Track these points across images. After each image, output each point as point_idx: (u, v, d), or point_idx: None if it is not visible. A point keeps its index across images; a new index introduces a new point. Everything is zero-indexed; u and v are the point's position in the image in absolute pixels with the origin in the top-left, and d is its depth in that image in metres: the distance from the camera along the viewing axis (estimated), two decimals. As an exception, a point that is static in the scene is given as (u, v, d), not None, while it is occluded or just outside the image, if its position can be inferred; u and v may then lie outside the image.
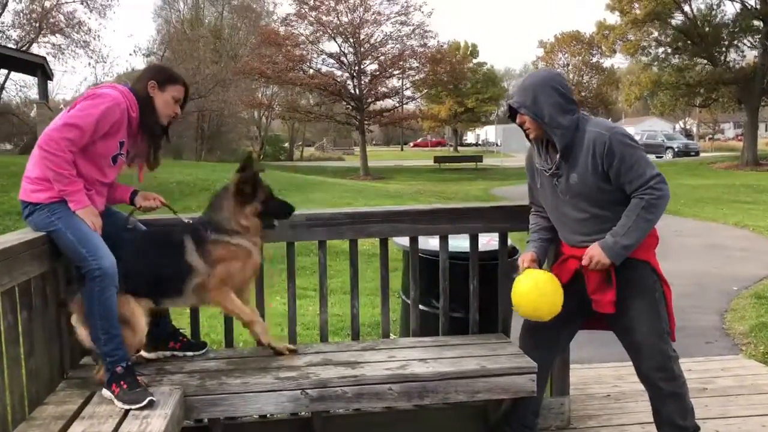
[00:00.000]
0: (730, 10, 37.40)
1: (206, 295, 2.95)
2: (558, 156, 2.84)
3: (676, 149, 40.64)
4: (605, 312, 2.86)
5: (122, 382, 2.59)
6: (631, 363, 3.02)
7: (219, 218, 2.97)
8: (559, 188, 2.89)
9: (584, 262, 2.84)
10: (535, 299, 2.89)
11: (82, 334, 2.77)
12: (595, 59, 53.46)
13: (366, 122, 34.76)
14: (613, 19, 34.22)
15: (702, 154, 40.91)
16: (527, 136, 2.96)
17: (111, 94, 2.76)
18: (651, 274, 2.88)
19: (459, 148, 66.91)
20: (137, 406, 2.51)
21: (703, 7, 31.96)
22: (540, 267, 3.06)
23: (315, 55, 33.95)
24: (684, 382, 2.94)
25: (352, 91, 33.60)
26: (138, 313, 2.81)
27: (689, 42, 31.34)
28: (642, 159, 2.74)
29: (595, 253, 2.79)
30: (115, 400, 2.56)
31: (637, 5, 30.76)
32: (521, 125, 2.92)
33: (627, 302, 2.86)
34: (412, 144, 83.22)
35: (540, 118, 2.80)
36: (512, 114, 2.97)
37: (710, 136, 68.22)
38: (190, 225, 3.01)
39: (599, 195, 2.80)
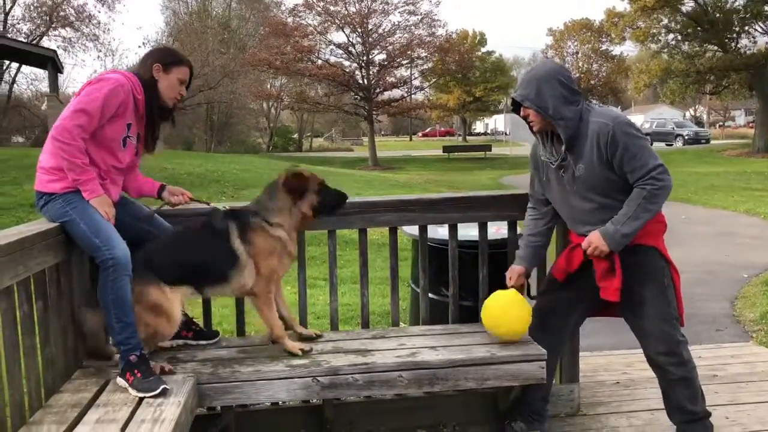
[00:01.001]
0: (741, -5, 37.00)
1: (248, 286, 2.95)
2: (563, 148, 2.85)
3: (686, 137, 40.35)
4: (611, 299, 2.87)
5: (136, 371, 2.62)
6: (640, 350, 3.04)
7: (267, 208, 2.97)
8: (565, 179, 2.90)
9: (583, 247, 2.86)
10: (497, 318, 3.05)
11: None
12: (604, 47, 53.00)
13: (374, 112, 34.76)
14: (623, 6, 33.94)
15: (712, 142, 40.63)
16: (531, 128, 2.97)
17: (113, 76, 2.79)
18: (660, 259, 2.90)
19: (468, 137, 66.69)
20: (151, 394, 2.54)
21: (714, -7, 31.64)
22: (528, 277, 3.17)
23: (323, 46, 34.01)
24: (693, 367, 2.95)
25: (361, 82, 33.58)
26: (174, 301, 2.84)
27: (699, 28, 31.04)
28: (645, 149, 2.75)
29: (594, 240, 2.81)
30: (130, 389, 2.59)
31: (646, -9, 30.48)
32: (525, 118, 2.93)
33: (636, 288, 2.87)
34: (420, 134, 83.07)
35: (544, 111, 2.81)
36: (516, 107, 2.98)
37: (721, 123, 67.72)
38: (234, 212, 3.01)
39: (606, 185, 2.81)
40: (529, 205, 3.23)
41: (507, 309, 3.02)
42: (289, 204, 2.97)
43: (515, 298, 3.05)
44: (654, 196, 2.72)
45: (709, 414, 3.01)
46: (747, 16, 30.28)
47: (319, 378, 2.83)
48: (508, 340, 3.04)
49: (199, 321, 3.32)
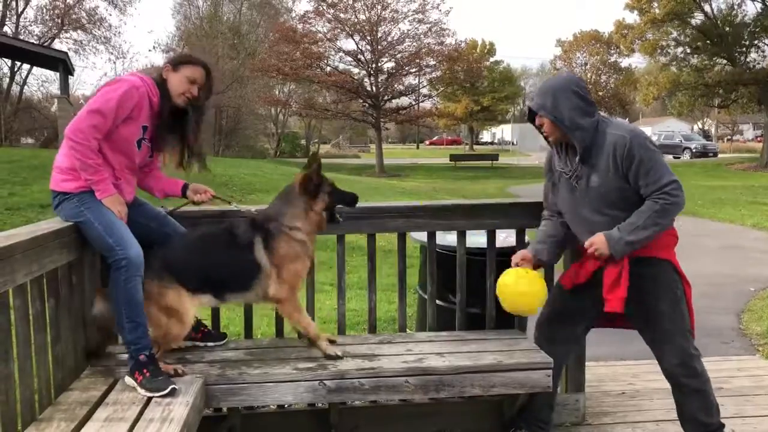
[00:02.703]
0: (751, 9, 37.06)
1: (270, 294, 2.96)
2: (577, 158, 2.86)
3: (693, 150, 40.30)
4: (615, 310, 2.87)
5: (145, 370, 2.64)
6: (646, 361, 3.05)
7: (286, 214, 2.99)
8: (578, 190, 2.91)
9: (586, 245, 2.87)
10: (513, 295, 3.02)
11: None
12: (613, 59, 53.08)
13: (382, 120, 34.86)
14: (632, 18, 34.01)
15: (720, 155, 40.54)
16: (546, 138, 2.98)
17: (129, 78, 2.83)
18: (673, 272, 2.91)
19: (475, 146, 66.75)
20: (160, 393, 2.56)
21: (723, 6, 31.72)
22: (535, 269, 3.12)
23: (332, 53, 34.13)
24: (707, 379, 2.95)
25: (369, 89, 33.67)
26: (188, 306, 2.85)
27: (709, 42, 31.04)
28: (660, 163, 2.76)
29: (597, 241, 2.82)
30: (138, 388, 2.61)
31: (656, 4, 30.52)
32: (539, 128, 2.94)
33: (650, 300, 2.88)
34: (427, 142, 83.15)
35: (560, 121, 2.82)
36: (531, 116, 2.99)
37: (729, 137, 67.52)
38: (256, 221, 3.02)
39: (619, 197, 2.81)
40: (545, 214, 3.21)
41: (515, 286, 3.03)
42: (305, 206, 2.99)
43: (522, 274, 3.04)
44: (665, 210, 2.72)
45: (723, 426, 3.00)
46: (756, 30, 30.27)
47: (325, 381, 2.84)
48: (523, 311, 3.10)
49: (208, 323, 3.34)
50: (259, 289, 2.96)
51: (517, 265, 3.08)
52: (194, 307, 2.90)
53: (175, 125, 3.00)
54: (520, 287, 3.00)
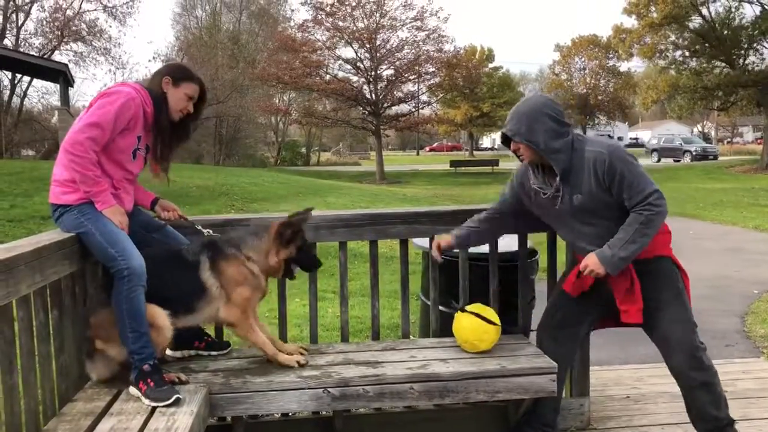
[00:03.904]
0: (749, 12, 37.12)
1: (221, 316, 2.94)
2: (557, 179, 2.89)
3: (694, 153, 40.26)
4: (633, 321, 2.91)
5: (149, 380, 2.63)
6: (651, 365, 3.05)
7: (247, 243, 2.98)
8: (562, 208, 2.94)
9: (581, 269, 2.91)
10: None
11: (114, 351, 2.78)
12: (611, 63, 53.19)
13: (382, 127, 34.89)
14: (630, 22, 34.06)
15: (720, 158, 40.50)
16: (521, 161, 3.03)
17: (124, 90, 2.82)
18: (672, 266, 2.95)
19: (475, 152, 66.77)
20: (164, 403, 2.55)
21: (721, 9, 31.68)
22: (449, 248, 3.31)
23: (331, 61, 34.16)
24: (715, 373, 2.96)
25: (369, 96, 33.72)
26: (160, 313, 2.82)
27: (707, 45, 31.07)
28: (641, 176, 2.81)
29: (590, 263, 2.86)
30: (143, 398, 2.61)
31: (654, 8, 30.55)
32: (515, 152, 2.98)
33: (652, 295, 2.90)
34: (427, 148, 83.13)
35: (535, 145, 2.86)
36: (506, 141, 3.03)
37: (729, 139, 67.58)
38: (210, 242, 3.00)
39: (606, 210, 2.86)
40: (491, 208, 3.29)
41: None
42: (271, 247, 2.97)
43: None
44: (650, 221, 2.77)
45: (734, 422, 3.00)
46: (755, 33, 30.29)
47: (329, 389, 2.84)
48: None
49: (211, 332, 3.34)
50: (207, 311, 2.92)
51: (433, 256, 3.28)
52: (165, 316, 2.82)
53: (174, 134, 3.03)
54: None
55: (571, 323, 3.14)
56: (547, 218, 3.10)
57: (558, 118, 2.88)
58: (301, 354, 3.10)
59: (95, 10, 34.97)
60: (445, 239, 3.26)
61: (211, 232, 3.19)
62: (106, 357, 2.79)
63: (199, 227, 3.22)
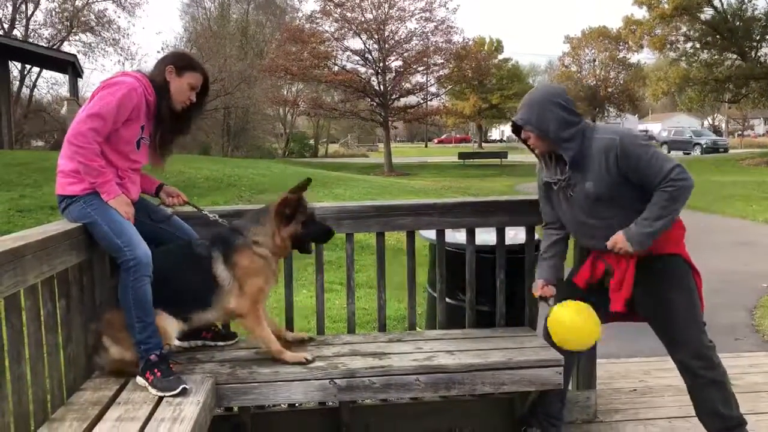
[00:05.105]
0: (762, 3, 36.78)
1: (231, 307, 2.91)
2: (567, 168, 2.87)
3: (704, 145, 40.03)
4: (616, 310, 2.90)
5: (156, 370, 2.65)
6: (657, 358, 3.04)
7: (251, 229, 2.96)
8: (574, 198, 2.92)
9: (609, 246, 2.85)
10: (568, 331, 2.95)
11: (116, 352, 2.79)
12: (621, 54, 52.86)
13: (390, 119, 34.83)
14: (641, 14, 33.83)
15: (731, 151, 40.24)
16: (532, 151, 3.01)
17: (126, 80, 2.81)
18: (683, 264, 2.91)
19: (483, 144, 66.59)
20: (171, 393, 2.57)
21: (733, 1, 31.40)
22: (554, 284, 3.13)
23: (340, 52, 34.09)
24: (724, 372, 2.92)
25: (377, 88, 33.66)
26: (164, 318, 2.81)
27: (719, 37, 30.83)
28: (657, 154, 2.78)
29: (618, 240, 2.82)
30: (150, 387, 2.62)
31: (665, -1, 30.36)
32: (525, 141, 2.96)
33: (663, 294, 2.87)
34: (436, 140, 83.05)
35: (546, 134, 2.85)
36: (517, 130, 3.01)
37: (739, 132, 67.10)
38: (219, 234, 2.99)
39: (617, 198, 2.83)
40: (545, 230, 3.22)
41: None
42: (274, 228, 2.94)
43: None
44: (676, 196, 2.72)
45: (746, 422, 2.96)
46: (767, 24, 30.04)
47: (336, 380, 2.84)
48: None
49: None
50: (220, 306, 2.90)
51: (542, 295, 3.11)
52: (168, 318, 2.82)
53: (175, 125, 3.02)
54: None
55: None
56: (562, 215, 3.06)
57: (568, 107, 2.86)
58: (308, 346, 3.09)
59: (104, 0, 34.99)
60: (549, 291, 3.12)
61: (218, 216, 3.17)
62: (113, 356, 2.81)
63: (205, 212, 3.20)
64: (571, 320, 2.93)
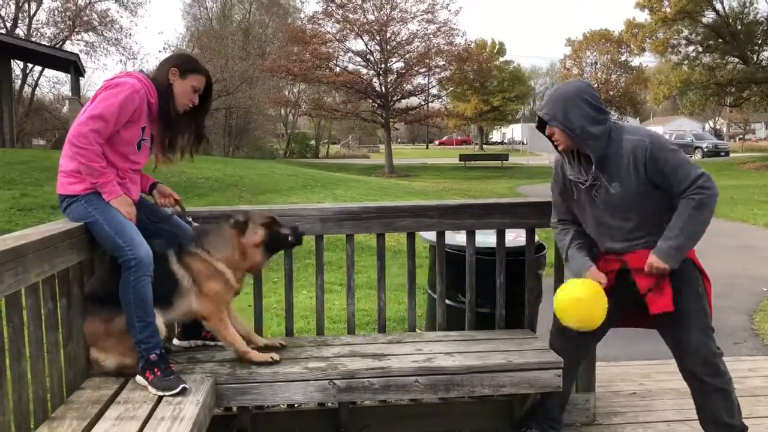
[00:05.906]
0: (764, 7, 36.84)
1: (194, 309, 2.91)
2: (593, 167, 2.82)
3: (705, 149, 40.02)
4: (664, 311, 2.81)
5: (156, 369, 2.65)
6: (657, 361, 3.02)
7: (208, 240, 2.96)
8: (598, 199, 2.86)
9: (646, 270, 2.79)
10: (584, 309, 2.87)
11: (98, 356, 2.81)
12: (623, 58, 52.80)
13: (391, 120, 34.84)
14: (643, 17, 33.86)
15: (732, 155, 40.24)
16: (555, 147, 2.94)
17: (129, 81, 2.80)
18: (693, 269, 2.88)
19: (484, 146, 66.63)
20: (170, 392, 2.57)
21: (735, 4, 31.46)
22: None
23: (341, 53, 34.11)
24: (730, 379, 2.90)
25: (378, 89, 33.67)
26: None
27: (720, 40, 30.85)
28: (685, 161, 2.74)
29: (652, 261, 2.77)
30: (149, 387, 2.63)
31: (667, 3, 30.38)
32: (550, 136, 2.90)
33: (673, 299, 2.83)
34: (437, 142, 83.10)
35: (571, 131, 2.78)
36: (541, 125, 2.95)
37: (741, 136, 67.11)
38: (179, 243, 2.99)
39: (643, 201, 2.78)
40: (558, 224, 3.15)
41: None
42: (232, 237, 2.95)
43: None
44: (703, 204, 2.68)
45: (746, 429, 2.95)
46: (769, 28, 30.07)
47: (335, 381, 2.85)
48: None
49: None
50: (183, 305, 2.90)
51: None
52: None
53: (182, 126, 3.02)
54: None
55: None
56: (581, 214, 3.00)
57: (596, 104, 2.79)
58: (277, 348, 3.09)
59: (107, 0, 35.03)
60: (602, 275, 2.93)
61: (191, 220, 3.15)
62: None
63: (190, 219, 3.18)
64: (581, 292, 2.84)
